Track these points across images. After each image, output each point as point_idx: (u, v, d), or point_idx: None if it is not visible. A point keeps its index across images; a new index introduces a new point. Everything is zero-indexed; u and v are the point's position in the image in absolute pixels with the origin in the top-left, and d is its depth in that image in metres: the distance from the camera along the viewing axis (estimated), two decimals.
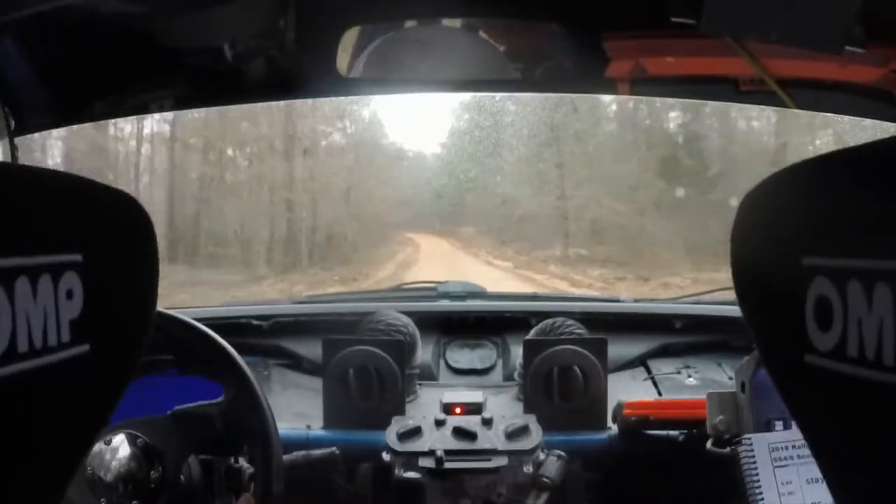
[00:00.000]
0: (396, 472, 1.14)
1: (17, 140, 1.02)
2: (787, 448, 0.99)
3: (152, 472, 0.92)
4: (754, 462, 1.00)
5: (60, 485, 0.40)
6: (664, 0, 0.89)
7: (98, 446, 0.92)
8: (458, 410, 1.24)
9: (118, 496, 0.92)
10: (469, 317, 1.61)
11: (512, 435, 1.16)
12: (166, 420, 0.96)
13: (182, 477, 0.95)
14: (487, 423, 1.18)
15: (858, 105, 0.99)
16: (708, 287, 1.83)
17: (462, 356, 1.54)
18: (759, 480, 0.98)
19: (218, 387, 1.00)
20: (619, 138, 7.86)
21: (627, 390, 1.37)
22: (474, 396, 1.27)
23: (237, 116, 7.37)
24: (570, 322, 1.42)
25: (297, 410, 1.33)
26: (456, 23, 1.08)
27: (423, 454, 1.13)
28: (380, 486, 1.25)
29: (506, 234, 8.34)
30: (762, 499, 0.97)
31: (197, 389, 1.01)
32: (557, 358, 1.28)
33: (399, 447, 1.14)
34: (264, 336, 1.54)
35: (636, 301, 1.74)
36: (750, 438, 1.01)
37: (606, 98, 7.69)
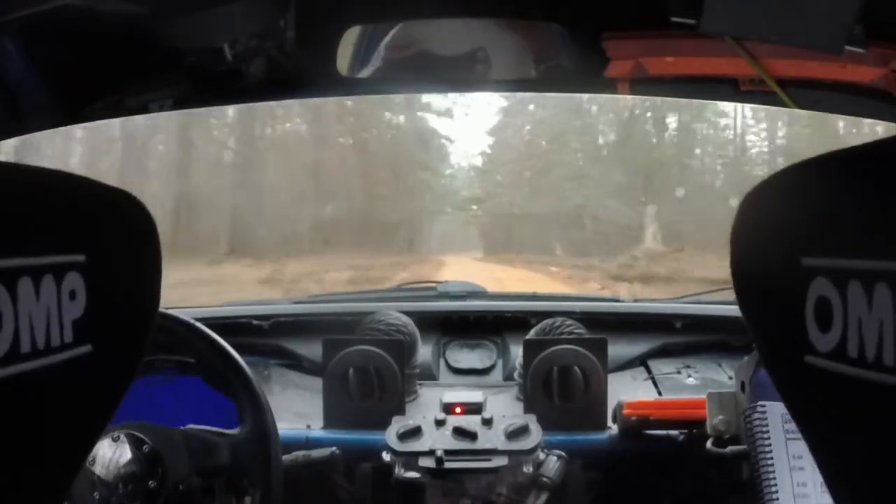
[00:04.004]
0: (396, 472, 1.14)
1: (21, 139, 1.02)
2: None
3: (151, 482, 0.92)
4: (767, 429, 0.97)
5: (63, 483, 0.40)
6: (664, 0, 0.89)
7: (102, 444, 0.92)
8: (458, 410, 1.24)
9: (118, 495, 0.92)
10: (469, 316, 1.61)
11: (512, 435, 1.16)
12: (177, 434, 0.95)
13: (181, 486, 0.95)
14: (487, 422, 1.18)
15: (858, 105, 0.99)
16: None
17: (462, 356, 1.54)
18: (770, 449, 0.96)
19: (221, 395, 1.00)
20: None
21: (627, 390, 1.37)
22: (474, 396, 1.27)
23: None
24: (570, 322, 1.42)
25: (297, 410, 1.33)
26: (456, 23, 1.08)
27: (424, 454, 1.13)
28: (380, 486, 1.25)
29: None
30: (772, 468, 0.95)
31: (201, 393, 1.01)
32: (557, 358, 1.28)
33: (399, 447, 1.14)
34: (264, 336, 1.54)
35: (636, 301, 1.74)
36: (765, 405, 0.99)
37: None
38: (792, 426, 0.96)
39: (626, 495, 1.33)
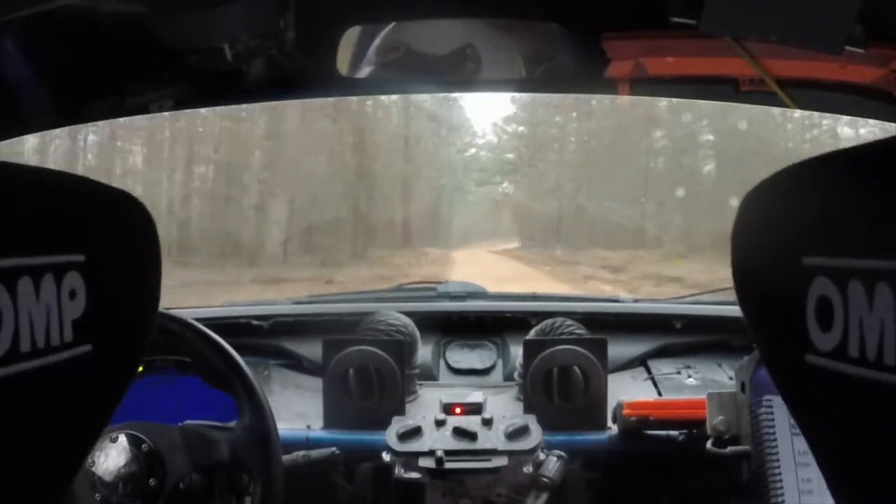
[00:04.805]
0: (396, 472, 1.14)
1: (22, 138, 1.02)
2: None
3: (151, 480, 0.92)
4: (773, 423, 0.97)
5: (63, 483, 0.40)
6: (664, 0, 0.89)
7: (102, 444, 0.92)
8: (458, 410, 1.24)
9: (118, 496, 0.92)
10: (469, 317, 1.61)
11: (512, 435, 1.16)
12: (174, 431, 0.95)
13: (181, 485, 0.95)
14: (487, 423, 1.18)
15: (858, 105, 0.99)
16: None
17: (462, 356, 1.54)
18: (776, 443, 0.96)
19: (221, 394, 1.00)
20: None
21: (627, 390, 1.37)
22: (474, 396, 1.27)
23: None
24: (570, 322, 1.42)
25: (297, 410, 1.33)
26: (456, 23, 1.08)
27: (424, 454, 1.13)
28: (380, 487, 1.25)
29: None
30: (778, 464, 0.94)
31: (200, 392, 1.01)
32: (557, 358, 1.28)
33: (399, 447, 1.14)
34: (264, 336, 1.54)
35: (636, 301, 1.74)
36: (770, 399, 0.98)
37: None
38: None
39: (626, 495, 1.33)
